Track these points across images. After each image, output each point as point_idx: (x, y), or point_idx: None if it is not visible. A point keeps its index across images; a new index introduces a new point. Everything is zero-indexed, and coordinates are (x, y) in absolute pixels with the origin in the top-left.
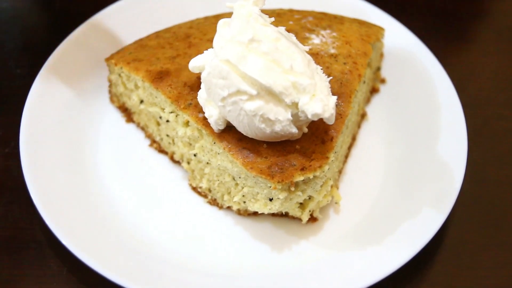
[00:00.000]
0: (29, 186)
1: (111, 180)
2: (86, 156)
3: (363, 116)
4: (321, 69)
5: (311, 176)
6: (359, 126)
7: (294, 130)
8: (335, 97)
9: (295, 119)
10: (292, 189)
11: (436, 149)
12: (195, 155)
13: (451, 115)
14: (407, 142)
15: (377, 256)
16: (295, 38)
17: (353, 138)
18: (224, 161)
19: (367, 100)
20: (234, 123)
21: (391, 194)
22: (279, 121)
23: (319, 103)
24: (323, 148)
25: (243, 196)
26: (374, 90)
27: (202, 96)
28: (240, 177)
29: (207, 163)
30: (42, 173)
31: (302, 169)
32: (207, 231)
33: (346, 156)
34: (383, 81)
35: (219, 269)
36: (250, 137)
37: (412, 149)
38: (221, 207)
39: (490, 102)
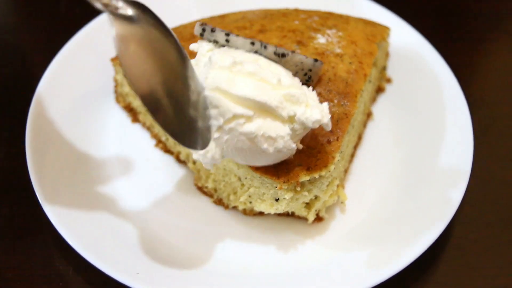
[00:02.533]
0: (35, 186)
1: (117, 180)
2: (92, 156)
3: (369, 115)
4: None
5: (317, 176)
6: (365, 126)
7: (294, 145)
8: (326, 103)
9: (292, 133)
10: (298, 189)
11: (442, 149)
12: None
13: (457, 115)
14: (413, 142)
15: (382, 255)
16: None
17: (359, 137)
18: (230, 162)
19: (373, 100)
20: (233, 154)
21: (397, 193)
22: (281, 137)
23: (316, 109)
24: (329, 148)
25: (249, 196)
26: (379, 90)
27: None
28: (246, 178)
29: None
30: (48, 173)
31: (307, 169)
32: (213, 231)
33: (352, 156)
34: (388, 80)
35: (225, 268)
36: (249, 165)
37: (418, 148)
38: (227, 207)
39: (497, 102)
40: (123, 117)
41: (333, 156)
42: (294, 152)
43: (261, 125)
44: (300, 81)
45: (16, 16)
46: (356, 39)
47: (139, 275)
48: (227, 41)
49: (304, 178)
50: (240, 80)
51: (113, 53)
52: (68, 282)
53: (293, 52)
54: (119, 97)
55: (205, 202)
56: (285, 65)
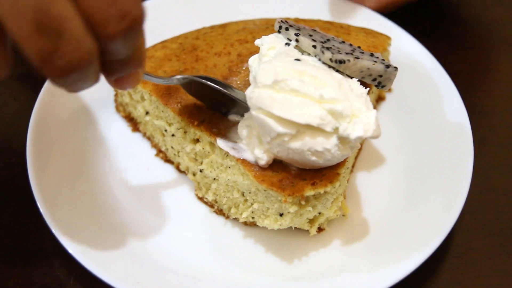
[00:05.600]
0: (36, 195)
1: (117, 189)
2: (92, 165)
3: None
4: (358, 80)
5: (322, 192)
6: None
7: (345, 153)
8: (375, 111)
9: (343, 141)
10: (303, 203)
11: (443, 158)
12: (201, 170)
13: (457, 123)
14: (413, 151)
15: (384, 264)
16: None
17: (360, 148)
18: (235, 174)
19: (374, 108)
20: (287, 160)
21: (397, 202)
22: (328, 150)
23: (358, 125)
24: (334, 164)
25: (252, 212)
26: (380, 99)
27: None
28: (250, 192)
29: (214, 179)
30: (49, 182)
31: (313, 184)
32: (214, 241)
33: (353, 166)
34: (389, 90)
35: (226, 277)
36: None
37: (419, 157)
38: (227, 217)
39: (496, 110)
40: (124, 127)
41: (338, 173)
42: (348, 156)
43: (306, 141)
44: (366, 87)
45: None
46: None
47: (140, 284)
48: (297, 40)
49: (309, 192)
50: (282, 98)
51: None
52: None
53: (357, 58)
54: (119, 106)
55: (206, 212)
56: (346, 71)
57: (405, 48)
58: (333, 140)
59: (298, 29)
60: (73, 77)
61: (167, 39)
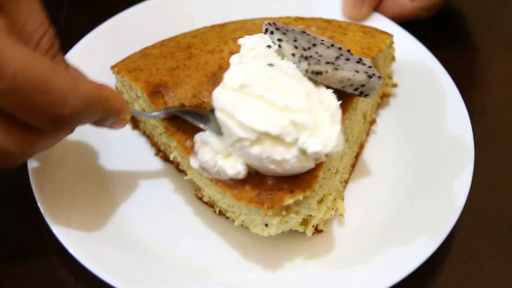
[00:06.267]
0: (36, 195)
1: (117, 189)
2: (92, 165)
3: (371, 123)
4: (332, 91)
5: (301, 197)
6: (367, 133)
7: (309, 163)
8: (338, 127)
9: (304, 153)
10: (284, 213)
11: (443, 157)
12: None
13: (458, 123)
14: (414, 151)
15: (383, 265)
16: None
17: (361, 146)
18: (215, 192)
19: (377, 107)
20: (249, 164)
21: (398, 202)
22: (286, 160)
23: (318, 139)
24: (312, 167)
25: (243, 221)
26: (385, 96)
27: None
28: (233, 206)
29: (205, 185)
30: (49, 182)
31: (291, 192)
32: (214, 240)
33: (353, 166)
34: (395, 85)
35: (226, 277)
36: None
37: (419, 157)
38: (227, 218)
39: (497, 110)
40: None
41: (316, 175)
42: (310, 167)
43: (265, 149)
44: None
45: None
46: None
47: (141, 283)
48: (279, 46)
49: (288, 201)
50: (247, 103)
51: (113, 61)
52: None
53: (336, 69)
54: None
55: (206, 212)
56: (324, 81)
57: (406, 48)
58: (293, 151)
59: (284, 33)
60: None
61: (168, 38)
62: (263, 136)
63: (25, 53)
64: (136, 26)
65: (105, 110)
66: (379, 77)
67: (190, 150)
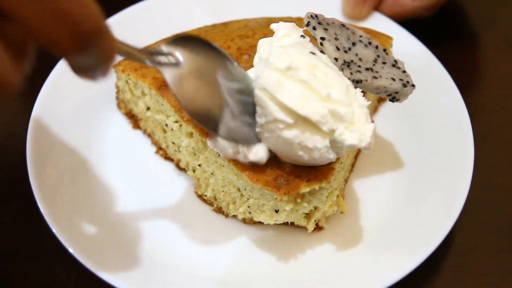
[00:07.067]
0: (36, 195)
1: (117, 188)
2: (93, 163)
3: None
4: (361, 91)
5: (317, 187)
6: None
7: (332, 156)
8: (373, 124)
9: (333, 145)
10: (298, 200)
11: (443, 156)
12: (199, 165)
13: (457, 122)
14: (413, 149)
15: (383, 263)
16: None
17: None
18: (229, 174)
19: (375, 109)
20: (272, 148)
21: (398, 201)
22: (317, 148)
23: (355, 133)
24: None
25: (249, 207)
26: (382, 100)
27: None
28: (245, 189)
29: (212, 173)
30: (49, 182)
31: (308, 181)
32: (213, 239)
33: (353, 165)
34: None
35: (225, 277)
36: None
37: (419, 156)
38: (227, 216)
39: (497, 109)
40: (124, 123)
41: (333, 167)
42: (332, 161)
43: (299, 134)
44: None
45: None
46: None
47: (141, 282)
48: (321, 44)
49: (304, 189)
50: (290, 86)
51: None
52: None
53: (375, 77)
54: (121, 103)
55: (205, 210)
56: (362, 88)
57: (406, 47)
58: (326, 141)
59: (326, 29)
60: None
61: (169, 37)
62: (300, 121)
63: None
64: (136, 25)
65: (105, 45)
66: (413, 85)
67: (207, 132)
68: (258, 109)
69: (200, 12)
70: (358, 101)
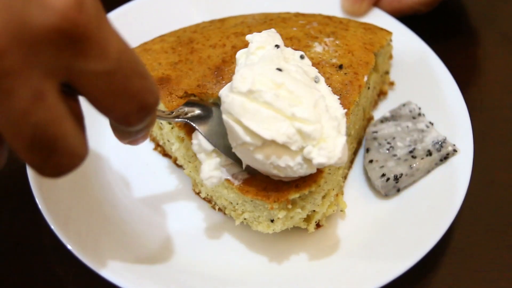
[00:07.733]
0: (34, 192)
1: (116, 184)
2: (91, 160)
3: (369, 120)
4: (338, 98)
5: (307, 192)
6: (365, 131)
7: (309, 171)
8: (344, 137)
9: (306, 161)
10: (289, 206)
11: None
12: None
13: (457, 118)
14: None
15: (382, 260)
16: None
17: (359, 143)
18: (219, 187)
19: (375, 104)
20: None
21: (397, 197)
22: (290, 166)
23: (323, 151)
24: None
25: (245, 219)
26: (382, 93)
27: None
28: (238, 203)
29: (202, 185)
30: (47, 179)
31: (296, 186)
32: (212, 236)
33: (352, 162)
34: (391, 84)
35: (225, 274)
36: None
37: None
38: (225, 213)
39: (497, 105)
40: None
41: (321, 171)
42: (313, 172)
43: (270, 155)
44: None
45: None
46: (353, 48)
47: (140, 279)
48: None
49: (294, 195)
50: (254, 109)
51: None
52: None
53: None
54: None
55: (204, 207)
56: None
57: (405, 43)
58: (298, 159)
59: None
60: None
61: (166, 33)
62: (268, 142)
63: (120, 35)
64: (133, 22)
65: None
66: (454, 150)
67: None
68: (228, 133)
69: (198, 8)
70: (330, 113)
